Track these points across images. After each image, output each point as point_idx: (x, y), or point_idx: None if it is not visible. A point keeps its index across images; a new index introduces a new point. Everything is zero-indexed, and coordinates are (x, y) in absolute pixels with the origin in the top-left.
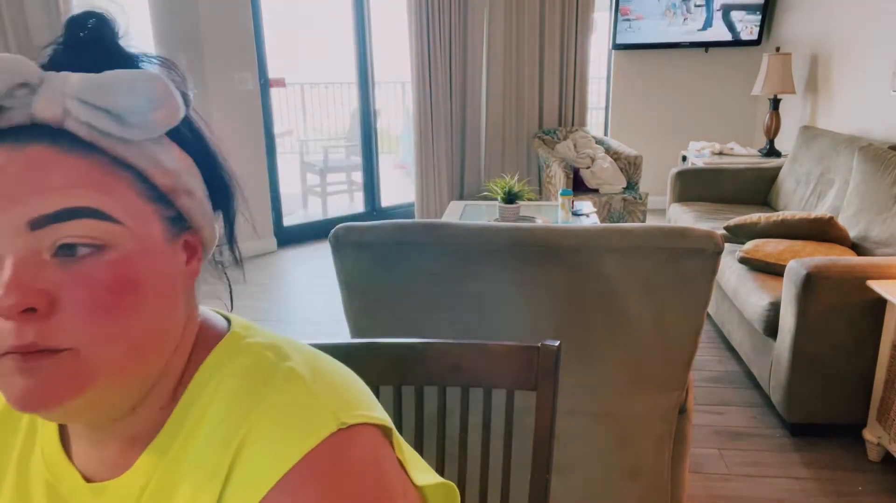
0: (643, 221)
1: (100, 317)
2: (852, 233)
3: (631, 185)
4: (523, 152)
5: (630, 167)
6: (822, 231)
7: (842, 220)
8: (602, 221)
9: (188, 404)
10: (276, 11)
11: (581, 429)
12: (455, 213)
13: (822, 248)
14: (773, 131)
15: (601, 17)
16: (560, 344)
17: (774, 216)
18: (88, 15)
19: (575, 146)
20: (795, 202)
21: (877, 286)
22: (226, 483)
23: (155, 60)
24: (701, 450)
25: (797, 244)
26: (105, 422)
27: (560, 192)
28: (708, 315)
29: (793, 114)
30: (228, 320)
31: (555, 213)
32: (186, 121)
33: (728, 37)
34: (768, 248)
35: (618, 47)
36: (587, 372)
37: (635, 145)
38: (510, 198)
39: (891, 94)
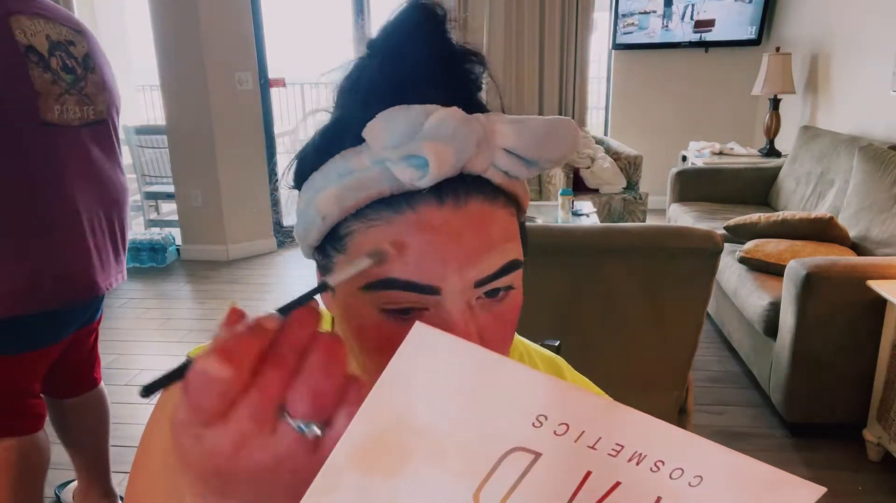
0: (643, 221)
1: (504, 349)
2: (852, 233)
3: (631, 185)
4: None
5: (630, 167)
6: (822, 231)
7: (842, 220)
8: (602, 221)
9: None
10: (276, 11)
11: None
12: None
13: (822, 248)
14: (773, 131)
15: (601, 17)
16: (560, 343)
17: (774, 216)
18: (422, 4)
19: None
20: (795, 202)
21: (877, 286)
22: None
23: (472, 55)
24: None
25: (797, 244)
26: None
27: (560, 191)
28: (708, 315)
29: (793, 114)
30: None
31: (555, 213)
32: None
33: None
34: (768, 247)
35: (618, 47)
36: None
37: (635, 145)
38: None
39: (891, 94)
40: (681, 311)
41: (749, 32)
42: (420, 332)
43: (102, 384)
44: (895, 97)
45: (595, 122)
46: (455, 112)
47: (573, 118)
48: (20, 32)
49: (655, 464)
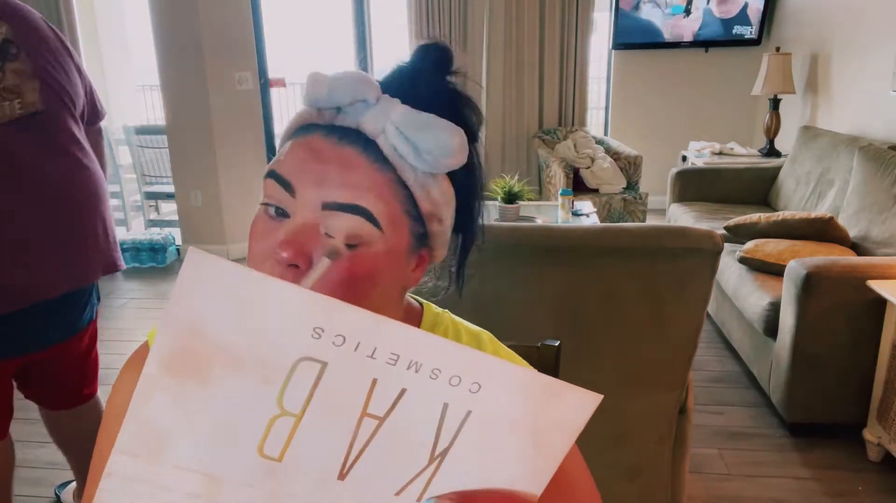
0: (643, 221)
1: (338, 292)
2: (852, 233)
3: (631, 185)
4: (523, 152)
5: (630, 167)
6: (822, 231)
7: (842, 220)
8: (602, 221)
9: None
10: (276, 11)
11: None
12: None
13: (822, 247)
14: (773, 131)
15: (601, 17)
16: (560, 343)
17: (774, 216)
18: (435, 47)
19: (575, 146)
20: (795, 202)
21: (877, 286)
22: None
23: (464, 101)
24: (701, 450)
25: (797, 244)
26: None
27: (560, 191)
28: (708, 315)
29: (793, 114)
30: (419, 302)
31: (555, 213)
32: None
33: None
34: (768, 247)
35: (618, 47)
36: (587, 371)
37: (635, 145)
38: (510, 198)
39: (891, 94)
40: (681, 311)
41: (749, 32)
42: (194, 256)
43: (98, 397)
44: (895, 97)
45: (595, 122)
46: (359, 72)
47: (573, 118)
48: None
49: (433, 372)
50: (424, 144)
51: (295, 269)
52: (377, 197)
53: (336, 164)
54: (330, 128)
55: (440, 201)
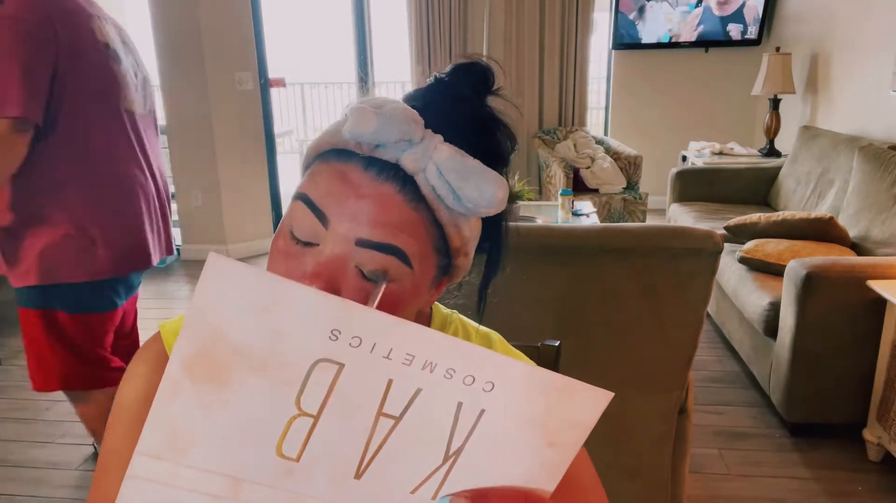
0: (643, 221)
1: None
2: (852, 233)
3: (631, 185)
4: (523, 152)
5: (630, 167)
6: (822, 231)
7: (842, 220)
8: (602, 221)
9: None
10: (276, 11)
11: None
12: None
13: (822, 247)
14: (773, 131)
15: (601, 17)
16: (560, 343)
17: (774, 216)
18: (475, 69)
19: (575, 146)
20: (795, 202)
21: (877, 286)
22: None
23: (500, 126)
24: (701, 450)
25: (797, 244)
26: None
27: (560, 191)
28: (708, 315)
29: (793, 114)
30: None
31: (555, 213)
32: None
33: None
34: (768, 247)
35: (618, 47)
36: (587, 371)
37: (635, 145)
38: (510, 198)
39: (891, 94)
40: (681, 311)
41: (749, 32)
42: (214, 261)
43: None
44: (895, 97)
45: (595, 122)
46: (406, 109)
47: (573, 118)
48: (100, 33)
49: (448, 372)
50: (467, 193)
51: None
52: (411, 236)
53: (373, 201)
54: (368, 160)
55: (469, 237)
